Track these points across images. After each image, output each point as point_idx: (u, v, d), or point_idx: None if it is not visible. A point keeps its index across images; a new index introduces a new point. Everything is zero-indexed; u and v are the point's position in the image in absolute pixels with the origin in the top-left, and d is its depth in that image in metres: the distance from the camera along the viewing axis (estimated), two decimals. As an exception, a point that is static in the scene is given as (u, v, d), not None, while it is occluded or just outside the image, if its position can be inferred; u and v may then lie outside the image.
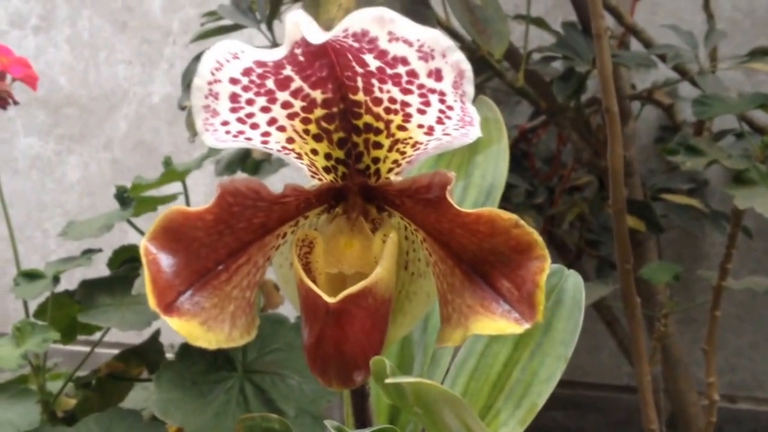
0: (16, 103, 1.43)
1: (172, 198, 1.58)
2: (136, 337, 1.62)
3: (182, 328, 0.63)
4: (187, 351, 1.30)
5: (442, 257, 0.67)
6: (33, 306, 1.49)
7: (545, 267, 0.60)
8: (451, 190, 0.62)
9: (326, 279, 0.70)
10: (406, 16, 1.20)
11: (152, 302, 0.61)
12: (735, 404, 2.02)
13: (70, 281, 1.58)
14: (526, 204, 1.83)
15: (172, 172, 1.49)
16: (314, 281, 0.68)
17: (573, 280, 0.86)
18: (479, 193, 0.93)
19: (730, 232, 1.41)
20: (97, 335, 1.52)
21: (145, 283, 0.61)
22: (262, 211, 0.66)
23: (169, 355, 1.41)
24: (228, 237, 0.66)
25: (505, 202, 1.81)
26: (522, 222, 0.60)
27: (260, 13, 1.41)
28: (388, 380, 0.60)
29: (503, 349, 0.86)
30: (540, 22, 1.69)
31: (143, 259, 0.61)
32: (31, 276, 1.38)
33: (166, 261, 0.63)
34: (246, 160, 1.70)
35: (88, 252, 1.48)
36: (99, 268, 1.63)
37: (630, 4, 1.74)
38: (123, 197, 1.47)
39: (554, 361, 0.83)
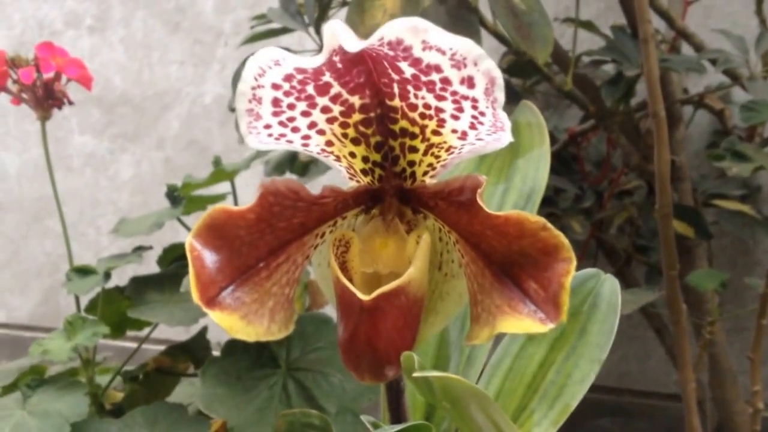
0: (71, 103, 1.47)
1: (221, 197, 1.60)
2: (184, 334, 1.65)
3: (223, 321, 0.66)
4: (232, 347, 1.33)
5: (473, 258, 0.68)
6: (84, 301, 1.52)
7: (571, 269, 0.61)
8: (481, 193, 0.64)
9: (362, 278, 0.72)
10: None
11: (195, 296, 0.64)
12: (787, 415, 1.99)
13: (121, 278, 1.61)
14: (574, 208, 1.82)
15: (220, 172, 1.52)
16: (350, 280, 0.70)
17: (609, 284, 0.87)
18: (519, 197, 0.94)
19: (776, 239, 1.40)
20: (146, 331, 1.55)
21: (189, 278, 0.64)
22: (301, 211, 0.69)
23: (216, 353, 1.43)
24: (269, 236, 0.68)
25: (553, 207, 1.81)
26: (549, 225, 0.62)
27: (308, 16, 1.43)
28: (415, 374, 0.63)
29: (539, 351, 0.87)
30: (589, 26, 1.68)
31: (188, 255, 0.65)
32: (83, 272, 1.42)
33: (209, 257, 0.66)
34: (294, 162, 1.72)
35: (139, 249, 1.51)
36: (150, 265, 1.66)
37: (682, 7, 1.72)
38: (173, 196, 1.50)
39: (588, 364, 0.84)
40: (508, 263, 0.65)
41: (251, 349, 1.31)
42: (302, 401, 1.26)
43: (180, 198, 1.49)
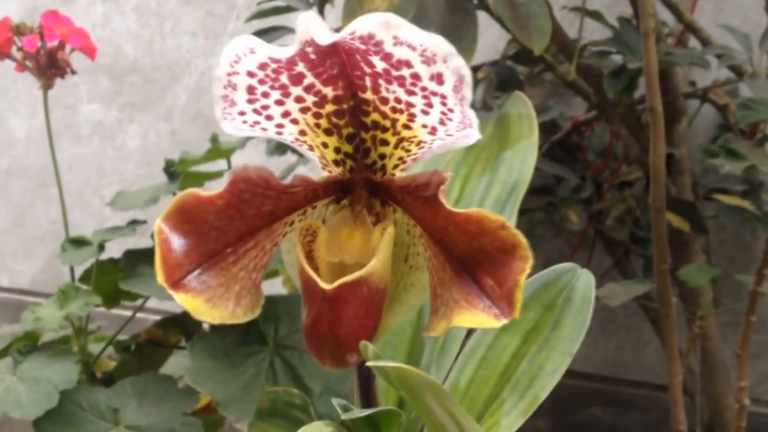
0: (74, 72, 1.48)
1: (218, 174, 1.61)
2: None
3: (187, 303, 0.68)
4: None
5: (435, 253, 0.70)
6: (81, 271, 1.53)
7: (526, 268, 0.63)
8: (444, 189, 0.66)
9: (328, 267, 0.73)
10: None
11: (161, 278, 0.65)
12: (777, 410, 1.99)
13: (121, 249, 1.62)
14: (573, 198, 1.83)
15: (217, 150, 1.53)
16: (316, 268, 0.72)
17: (584, 279, 0.88)
18: (503, 189, 0.94)
19: (768, 237, 1.40)
20: (141, 302, 1.56)
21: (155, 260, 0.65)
22: (271, 199, 0.70)
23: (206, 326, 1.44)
24: (238, 222, 0.70)
25: (552, 196, 1.81)
26: (508, 224, 0.63)
27: (312, -5, 1.44)
28: (369, 363, 0.65)
29: (512, 341, 0.89)
30: (597, 16, 1.67)
31: (156, 238, 0.66)
32: (78, 243, 1.43)
33: (177, 241, 0.67)
34: (296, 142, 1.71)
35: (134, 223, 1.52)
36: (150, 238, 1.67)
37: (691, 1, 1.71)
38: (170, 171, 1.51)
39: (560, 356, 0.86)
40: (468, 259, 0.66)
41: (239, 325, 1.31)
42: (288, 380, 1.27)
43: (177, 173, 1.50)
